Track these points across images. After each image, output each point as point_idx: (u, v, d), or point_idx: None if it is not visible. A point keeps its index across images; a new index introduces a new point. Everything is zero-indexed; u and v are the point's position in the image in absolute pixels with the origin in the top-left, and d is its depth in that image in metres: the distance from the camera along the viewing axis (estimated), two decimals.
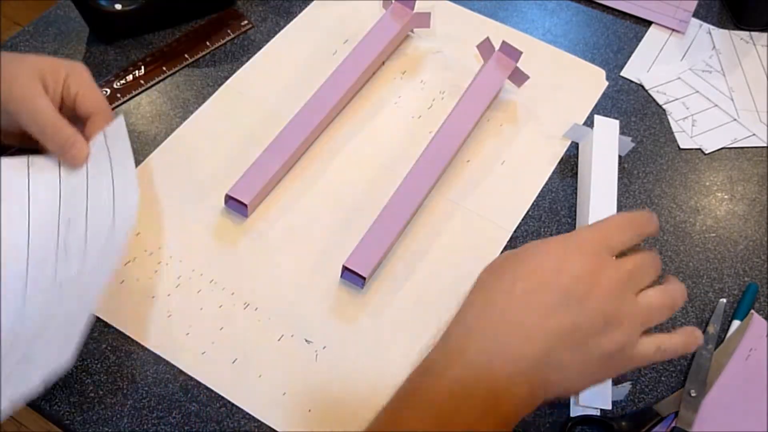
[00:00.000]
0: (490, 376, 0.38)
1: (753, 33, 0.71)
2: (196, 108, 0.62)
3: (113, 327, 0.51)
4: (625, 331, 0.40)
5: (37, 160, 0.53)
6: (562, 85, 0.66)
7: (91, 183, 0.52)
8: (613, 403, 0.49)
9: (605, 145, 0.58)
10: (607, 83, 0.67)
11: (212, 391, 0.49)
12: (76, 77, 0.51)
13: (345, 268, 0.53)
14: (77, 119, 0.52)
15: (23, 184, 0.52)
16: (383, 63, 0.67)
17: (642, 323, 0.41)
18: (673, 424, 0.50)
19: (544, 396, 0.39)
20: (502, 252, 0.57)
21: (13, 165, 0.52)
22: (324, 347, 0.51)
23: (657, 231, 0.44)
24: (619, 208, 0.59)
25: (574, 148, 0.63)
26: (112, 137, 0.52)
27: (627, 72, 0.68)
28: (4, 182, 0.51)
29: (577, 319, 0.39)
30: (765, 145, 0.64)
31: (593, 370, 0.40)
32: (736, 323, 0.54)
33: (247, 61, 0.66)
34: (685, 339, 0.43)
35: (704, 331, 0.53)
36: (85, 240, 0.49)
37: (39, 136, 0.50)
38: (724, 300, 0.55)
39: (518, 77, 0.63)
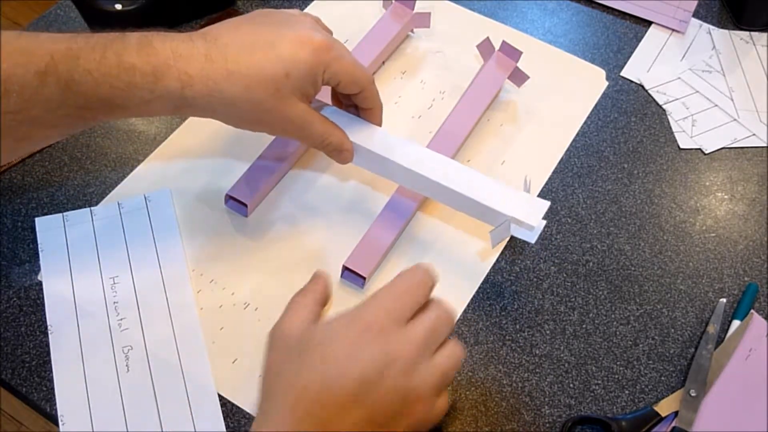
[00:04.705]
0: None
1: (753, 33, 0.71)
2: None
3: None
4: (423, 403, 0.40)
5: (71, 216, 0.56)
6: (562, 85, 0.66)
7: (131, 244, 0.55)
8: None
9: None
10: (607, 83, 0.67)
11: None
12: (335, 69, 0.47)
13: (345, 268, 0.53)
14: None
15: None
16: (383, 63, 0.67)
17: (437, 390, 0.40)
18: (673, 424, 0.50)
19: None
20: (502, 251, 0.57)
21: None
22: None
23: (436, 282, 0.43)
24: (619, 208, 0.59)
25: (574, 148, 0.63)
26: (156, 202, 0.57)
27: (627, 72, 0.68)
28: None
29: (375, 407, 0.38)
30: (765, 145, 0.64)
31: None
32: (736, 323, 0.54)
33: None
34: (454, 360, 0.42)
35: (704, 331, 0.53)
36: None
37: (306, 143, 0.51)
38: (724, 300, 0.55)
39: (518, 77, 0.63)
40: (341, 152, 0.51)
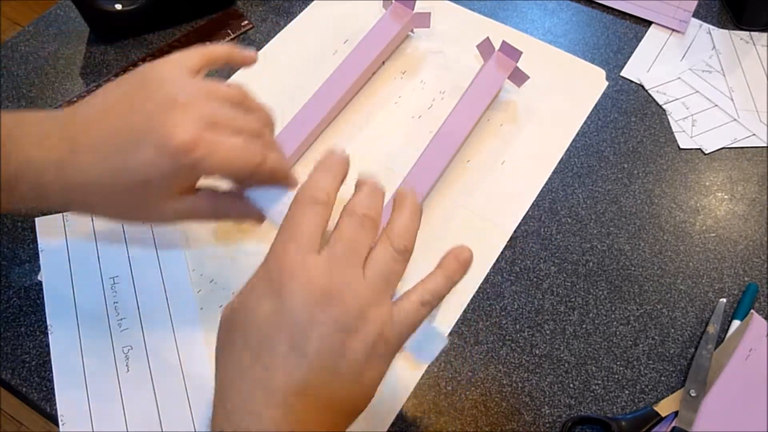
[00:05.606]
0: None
1: (753, 33, 0.71)
2: None
3: None
4: (370, 323, 0.36)
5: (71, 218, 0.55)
6: (562, 85, 0.66)
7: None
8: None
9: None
10: (607, 83, 0.67)
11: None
12: (205, 166, 0.40)
13: None
14: None
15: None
16: (383, 63, 0.67)
17: (383, 294, 0.37)
18: (673, 424, 0.50)
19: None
20: (502, 251, 0.57)
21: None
22: None
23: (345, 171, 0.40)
24: (619, 208, 0.59)
25: (574, 148, 0.63)
26: None
27: (627, 72, 0.68)
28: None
29: (314, 362, 0.35)
30: (765, 145, 0.64)
31: (366, 373, 0.37)
32: (736, 323, 0.54)
33: None
34: (446, 272, 0.40)
35: (704, 331, 0.53)
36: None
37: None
38: (724, 300, 0.55)
39: (518, 77, 0.63)
40: (248, 221, 0.47)
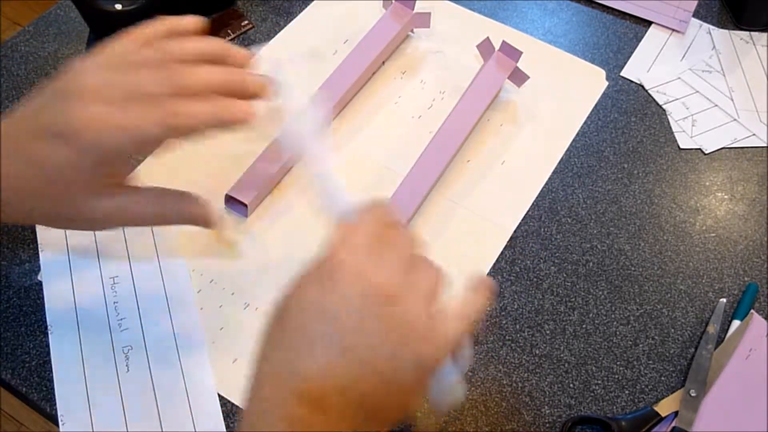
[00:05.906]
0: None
1: (753, 33, 0.71)
2: None
3: None
4: (420, 331, 0.35)
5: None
6: (562, 85, 0.66)
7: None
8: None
9: None
10: (607, 83, 0.67)
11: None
12: (109, 142, 0.38)
13: None
14: None
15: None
16: (383, 63, 0.67)
17: (430, 306, 0.36)
18: (673, 424, 0.50)
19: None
20: (502, 251, 0.57)
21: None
22: None
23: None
24: (619, 208, 0.59)
25: (574, 148, 0.63)
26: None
27: (627, 72, 0.68)
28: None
29: (359, 359, 0.34)
30: (765, 145, 0.64)
31: (408, 382, 0.35)
32: (736, 323, 0.54)
33: None
34: (479, 292, 0.39)
35: (704, 331, 0.53)
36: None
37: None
38: (724, 300, 0.55)
39: (518, 77, 0.63)
40: (198, 225, 0.44)
